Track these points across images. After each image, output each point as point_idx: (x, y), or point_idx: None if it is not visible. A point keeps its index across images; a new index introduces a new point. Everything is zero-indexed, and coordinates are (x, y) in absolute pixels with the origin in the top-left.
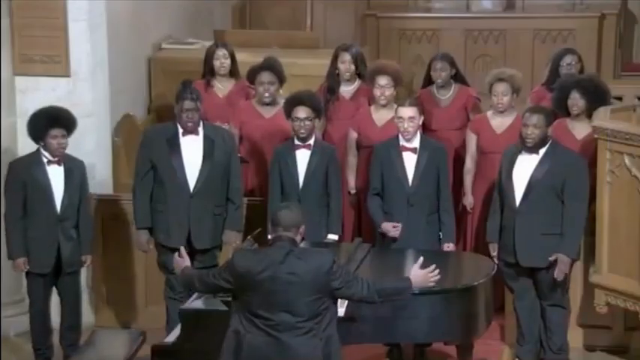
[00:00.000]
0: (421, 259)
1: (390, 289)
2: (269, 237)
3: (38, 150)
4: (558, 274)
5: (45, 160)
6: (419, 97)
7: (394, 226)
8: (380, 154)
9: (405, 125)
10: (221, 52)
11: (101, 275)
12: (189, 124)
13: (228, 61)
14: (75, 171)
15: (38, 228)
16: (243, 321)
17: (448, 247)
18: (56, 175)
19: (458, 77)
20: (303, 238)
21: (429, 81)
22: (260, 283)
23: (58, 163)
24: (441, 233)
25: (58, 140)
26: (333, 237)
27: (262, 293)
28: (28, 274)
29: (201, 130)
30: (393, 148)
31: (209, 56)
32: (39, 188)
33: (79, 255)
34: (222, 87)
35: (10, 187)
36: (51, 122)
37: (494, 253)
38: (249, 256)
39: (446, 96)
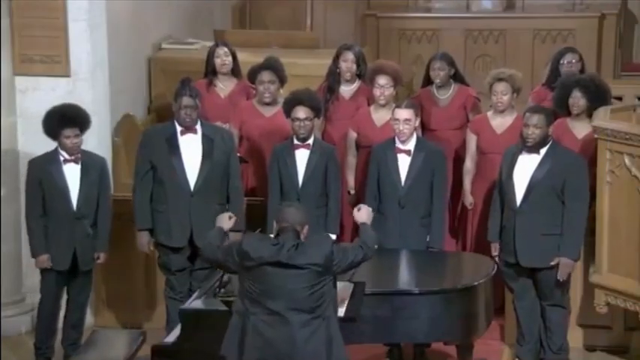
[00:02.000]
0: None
1: (367, 238)
2: (275, 231)
3: (56, 149)
4: (561, 276)
5: (61, 159)
6: (418, 97)
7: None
8: (377, 155)
9: (401, 127)
10: (222, 51)
11: (101, 275)
12: (187, 121)
13: (229, 59)
14: (92, 168)
15: (55, 226)
16: (248, 305)
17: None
18: (72, 174)
19: (457, 77)
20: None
21: (428, 81)
22: (264, 271)
23: (75, 161)
24: (428, 237)
25: (71, 140)
26: (331, 237)
27: (266, 281)
28: (42, 271)
29: (199, 129)
30: (388, 150)
31: (210, 55)
32: (55, 186)
33: (93, 253)
34: (224, 87)
35: (29, 185)
36: (63, 122)
37: (495, 253)
38: (256, 241)
39: (445, 96)
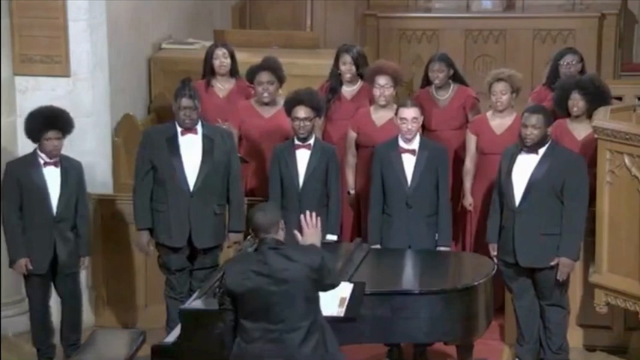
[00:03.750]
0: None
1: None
2: (255, 241)
3: (35, 151)
4: (561, 276)
5: (41, 162)
6: (417, 98)
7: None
8: (380, 155)
9: (409, 126)
10: (220, 52)
11: (101, 275)
12: (187, 122)
13: (227, 61)
14: (71, 172)
15: (34, 229)
16: (244, 335)
17: (441, 250)
18: (52, 177)
19: (456, 77)
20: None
21: (427, 81)
22: (254, 289)
23: (55, 164)
24: (437, 235)
25: (52, 142)
26: (331, 237)
27: (258, 299)
28: (25, 275)
29: (200, 129)
30: (392, 150)
31: (209, 56)
32: (34, 189)
33: (77, 256)
34: (223, 87)
35: (7, 188)
36: (45, 124)
37: (494, 253)
38: (239, 266)
39: (444, 96)
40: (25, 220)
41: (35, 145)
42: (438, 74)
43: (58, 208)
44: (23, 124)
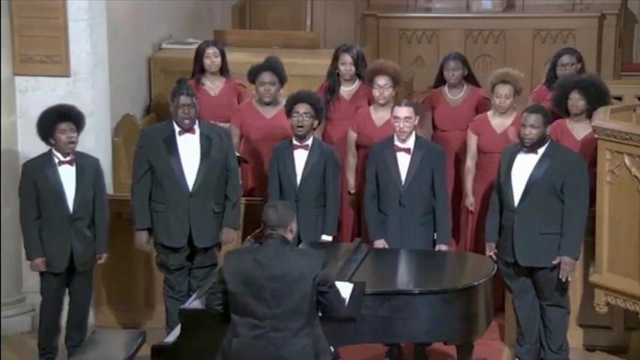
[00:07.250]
0: None
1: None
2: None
3: (50, 151)
4: (563, 275)
5: (56, 161)
6: (429, 97)
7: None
8: (375, 154)
9: (401, 125)
10: (211, 51)
11: (101, 275)
12: (186, 121)
13: (218, 60)
14: (87, 169)
15: (51, 228)
16: (232, 329)
17: (440, 248)
18: (68, 175)
19: (469, 78)
20: (300, 240)
21: (439, 81)
22: (249, 282)
23: (70, 163)
24: (435, 234)
25: (67, 134)
26: (327, 238)
27: (251, 292)
28: (42, 273)
29: (197, 128)
30: (387, 149)
31: (199, 54)
32: (50, 189)
33: (92, 254)
34: (214, 85)
35: (24, 188)
36: (59, 117)
37: (490, 253)
38: (237, 257)
39: (457, 96)
40: (43, 220)
41: (44, 148)
42: (454, 72)
43: (74, 206)
44: (36, 126)
